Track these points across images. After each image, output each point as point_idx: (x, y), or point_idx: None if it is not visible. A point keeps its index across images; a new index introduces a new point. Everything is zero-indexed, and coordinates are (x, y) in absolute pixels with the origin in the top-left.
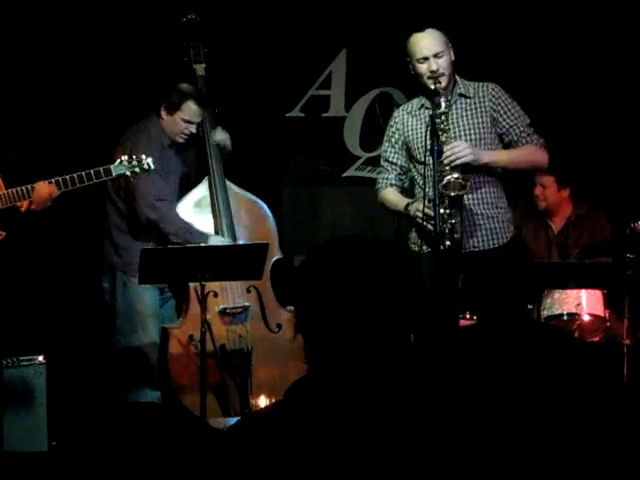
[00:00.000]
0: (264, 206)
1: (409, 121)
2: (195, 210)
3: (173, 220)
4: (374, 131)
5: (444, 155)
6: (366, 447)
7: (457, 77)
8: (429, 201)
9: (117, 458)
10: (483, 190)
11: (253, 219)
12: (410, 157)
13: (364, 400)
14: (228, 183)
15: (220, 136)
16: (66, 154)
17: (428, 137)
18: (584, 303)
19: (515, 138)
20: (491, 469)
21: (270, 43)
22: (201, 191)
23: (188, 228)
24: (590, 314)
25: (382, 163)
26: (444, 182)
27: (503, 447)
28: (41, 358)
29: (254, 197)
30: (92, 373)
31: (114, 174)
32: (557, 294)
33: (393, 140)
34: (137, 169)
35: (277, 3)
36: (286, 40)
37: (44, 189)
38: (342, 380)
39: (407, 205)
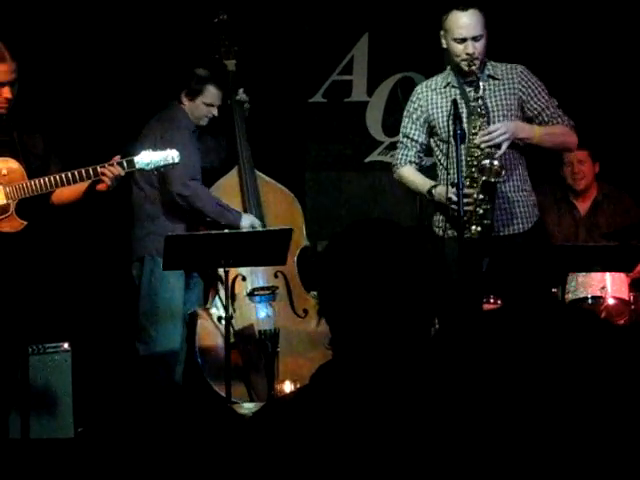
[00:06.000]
0: (292, 195)
1: (433, 98)
2: (225, 197)
3: (206, 197)
4: (396, 116)
5: (481, 139)
6: (391, 432)
7: (485, 58)
8: (452, 185)
9: (142, 444)
10: (515, 173)
11: (281, 206)
12: (433, 135)
13: (389, 385)
14: (258, 173)
15: (242, 96)
16: (90, 144)
17: (453, 120)
18: (609, 286)
19: (547, 119)
20: (518, 445)
21: (291, 29)
22: (231, 178)
23: (221, 204)
24: (615, 297)
25: (401, 139)
26: (480, 166)
27: (530, 428)
28: (66, 345)
29: (283, 187)
30: (117, 360)
31: (136, 167)
32: (581, 277)
33: (415, 116)
34: (162, 163)
35: None
36: (307, 27)
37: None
38: (367, 365)
39: (431, 188)
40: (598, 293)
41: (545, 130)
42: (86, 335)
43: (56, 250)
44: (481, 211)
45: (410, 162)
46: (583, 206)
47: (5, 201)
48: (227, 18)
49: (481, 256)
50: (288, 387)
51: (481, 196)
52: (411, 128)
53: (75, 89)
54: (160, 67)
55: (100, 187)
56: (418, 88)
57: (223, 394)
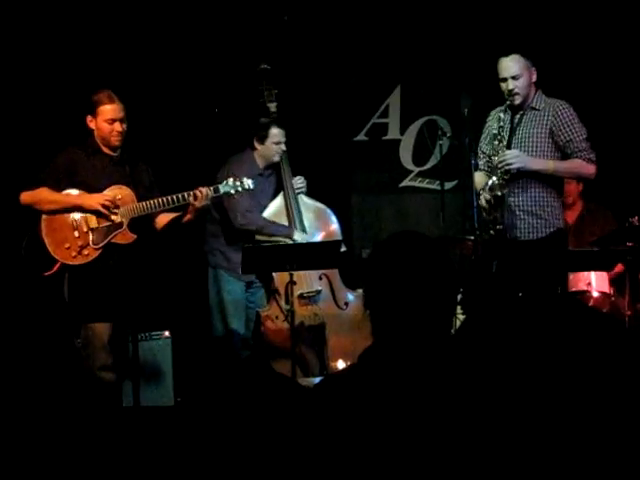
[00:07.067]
0: (330, 211)
1: (496, 120)
2: (275, 215)
3: (258, 223)
4: (423, 150)
5: (496, 161)
6: (425, 401)
7: (537, 92)
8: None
9: (221, 410)
10: (531, 189)
11: (321, 222)
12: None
13: (421, 362)
14: (300, 196)
15: (300, 184)
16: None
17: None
18: (593, 282)
19: (569, 152)
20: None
21: (342, 83)
22: (278, 202)
23: (270, 226)
24: (598, 291)
25: (478, 151)
26: (489, 184)
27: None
28: (167, 333)
29: (322, 205)
30: (206, 344)
31: (222, 192)
32: (571, 275)
33: (485, 133)
34: (239, 188)
35: (347, 51)
36: (352, 80)
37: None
38: (401, 347)
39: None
40: (585, 288)
41: (559, 165)
42: (183, 325)
43: (158, 258)
44: (493, 218)
45: (480, 169)
46: (571, 218)
47: (120, 219)
48: (268, 67)
49: (492, 257)
50: (339, 363)
51: (492, 205)
52: (483, 142)
53: (168, 138)
54: (226, 113)
55: (186, 219)
56: (492, 112)
57: (283, 372)
